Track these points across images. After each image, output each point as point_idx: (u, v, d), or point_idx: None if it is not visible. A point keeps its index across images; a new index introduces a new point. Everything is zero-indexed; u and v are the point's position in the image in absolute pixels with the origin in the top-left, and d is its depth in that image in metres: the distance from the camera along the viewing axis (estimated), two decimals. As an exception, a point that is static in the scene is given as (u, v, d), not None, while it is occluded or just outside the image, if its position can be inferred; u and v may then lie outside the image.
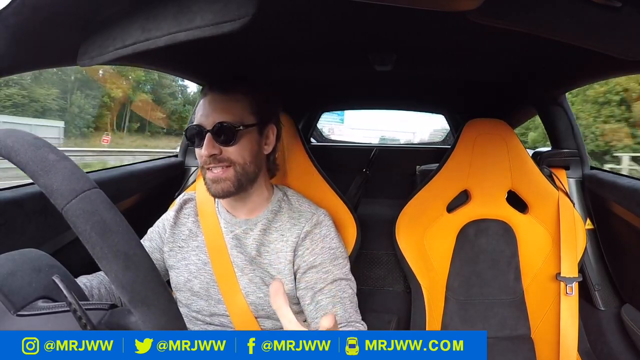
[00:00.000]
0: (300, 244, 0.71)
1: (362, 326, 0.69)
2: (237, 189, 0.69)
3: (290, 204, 0.76)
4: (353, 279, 0.75)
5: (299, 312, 0.73)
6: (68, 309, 0.32)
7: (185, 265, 0.74)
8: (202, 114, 0.69)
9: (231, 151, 0.67)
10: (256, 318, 0.70)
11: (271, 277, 0.71)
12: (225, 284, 0.70)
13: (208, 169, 0.68)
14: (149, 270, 0.31)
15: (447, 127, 2.22)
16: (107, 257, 0.29)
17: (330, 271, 0.71)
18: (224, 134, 0.66)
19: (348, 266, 0.75)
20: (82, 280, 0.66)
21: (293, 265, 0.71)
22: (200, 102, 0.71)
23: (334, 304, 0.69)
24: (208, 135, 0.66)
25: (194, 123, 0.69)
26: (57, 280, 0.34)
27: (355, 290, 0.74)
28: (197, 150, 0.70)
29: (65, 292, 0.32)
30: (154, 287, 0.31)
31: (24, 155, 0.31)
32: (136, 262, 0.30)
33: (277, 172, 0.80)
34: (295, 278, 0.71)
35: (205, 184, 0.70)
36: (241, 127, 0.67)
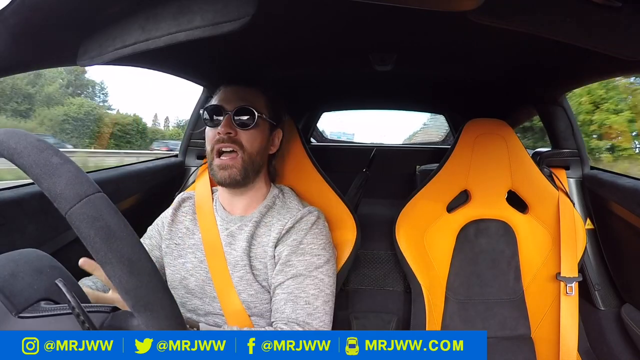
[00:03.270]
0: (280, 239, 0.71)
1: (299, 328, 0.63)
2: (243, 178, 0.72)
3: (283, 201, 0.78)
4: (326, 279, 0.69)
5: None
6: (70, 311, 0.32)
7: (182, 263, 0.74)
8: (222, 99, 0.74)
9: (245, 136, 0.72)
10: (249, 317, 0.70)
11: (259, 271, 0.71)
12: (220, 281, 0.71)
13: (217, 155, 0.71)
14: (153, 275, 0.31)
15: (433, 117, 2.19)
16: (111, 262, 0.29)
17: (293, 266, 0.68)
18: (244, 117, 0.72)
19: (319, 265, 0.69)
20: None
21: (274, 259, 0.71)
22: (219, 91, 0.77)
23: (285, 301, 0.66)
24: (228, 115, 0.71)
25: (214, 103, 0.74)
26: (60, 284, 0.34)
27: (327, 291, 0.68)
28: (209, 130, 0.74)
29: (68, 295, 0.32)
30: (158, 292, 0.31)
31: (28, 158, 0.31)
32: (140, 268, 0.30)
33: (277, 177, 0.83)
34: None
35: (211, 170, 0.73)
36: (262, 115, 0.73)
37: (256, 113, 0.72)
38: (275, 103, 0.78)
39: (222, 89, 0.77)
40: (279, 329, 0.63)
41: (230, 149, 0.71)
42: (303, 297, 0.66)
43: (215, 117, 0.73)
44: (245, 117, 0.72)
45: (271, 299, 0.70)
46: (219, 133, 0.71)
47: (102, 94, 17.21)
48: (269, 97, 0.77)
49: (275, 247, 0.71)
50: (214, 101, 0.75)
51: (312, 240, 0.71)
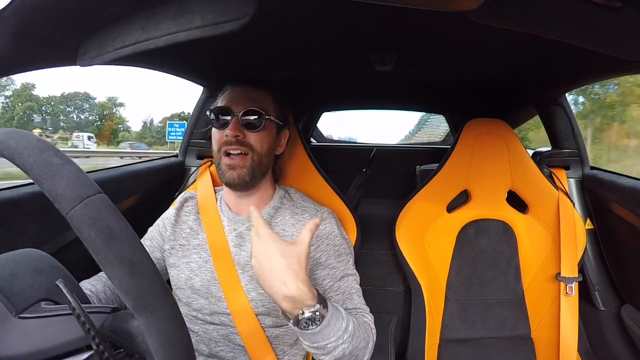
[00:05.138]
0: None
1: (370, 316, 0.70)
2: (251, 179, 0.72)
3: (292, 200, 0.78)
4: (356, 272, 0.76)
5: None
6: (70, 312, 0.32)
7: (186, 263, 0.74)
8: (230, 100, 0.73)
9: (254, 138, 0.71)
10: (257, 315, 0.70)
11: None
12: (226, 281, 0.71)
13: (226, 154, 0.71)
14: (153, 276, 0.31)
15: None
16: (112, 263, 0.29)
17: (336, 268, 0.72)
18: (252, 119, 0.71)
19: (352, 261, 0.76)
20: (87, 286, 0.66)
21: None
22: (226, 92, 0.76)
23: (343, 301, 0.70)
24: (236, 118, 0.71)
25: (221, 105, 0.73)
26: (61, 285, 0.33)
27: (359, 282, 0.76)
28: (215, 131, 0.73)
29: (68, 296, 0.32)
30: (158, 293, 0.31)
31: (28, 158, 0.31)
32: (140, 269, 0.30)
33: (281, 177, 0.83)
34: None
35: (219, 170, 0.72)
36: (270, 117, 0.73)
37: (264, 115, 0.71)
38: (282, 104, 0.78)
39: (229, 90, 0.76)
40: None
41: (239, 151, 0.70)
42: (354, 292, 0.72)
43: (222, 118, 0.72)
44: (253, 119, 0.71)
45: None
46: (226, 135, 0.70)
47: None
48: (276, 98, 0.77)
49: None
50: (220, 102, 0.74)
51: (341, 241, 0.75)
